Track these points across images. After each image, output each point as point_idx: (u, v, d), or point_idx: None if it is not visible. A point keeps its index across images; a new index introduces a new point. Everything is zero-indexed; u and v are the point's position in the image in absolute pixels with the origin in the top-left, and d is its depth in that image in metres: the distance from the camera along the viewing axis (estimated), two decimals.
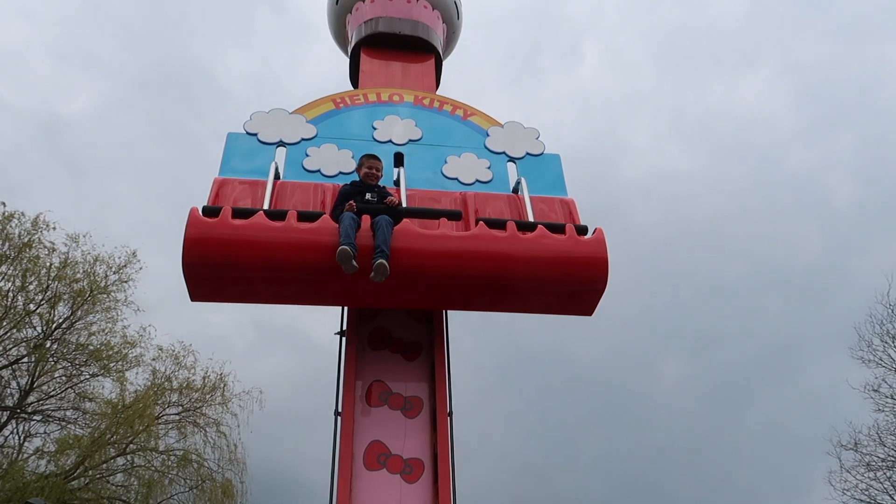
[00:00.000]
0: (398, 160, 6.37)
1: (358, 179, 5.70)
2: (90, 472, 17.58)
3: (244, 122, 6.39)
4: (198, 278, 4.93)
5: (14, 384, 18.77)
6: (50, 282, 18.45)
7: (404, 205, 5.49)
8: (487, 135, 6.75)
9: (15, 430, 18.83)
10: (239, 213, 5.00)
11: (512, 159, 6.57)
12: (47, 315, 18.69)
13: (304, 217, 5.02)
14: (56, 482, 15.83)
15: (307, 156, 6.19)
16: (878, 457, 17.04)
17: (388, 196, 5.38)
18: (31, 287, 18.36)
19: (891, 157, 41.17)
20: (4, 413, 18.47)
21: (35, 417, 18.83)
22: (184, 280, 4.94)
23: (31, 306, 18.38)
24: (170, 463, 18.26)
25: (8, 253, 18.00)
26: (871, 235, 40.51)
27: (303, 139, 6.32)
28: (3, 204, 18.23)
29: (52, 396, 19.01)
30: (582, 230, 5.41)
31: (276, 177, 5.82)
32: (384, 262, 4.61)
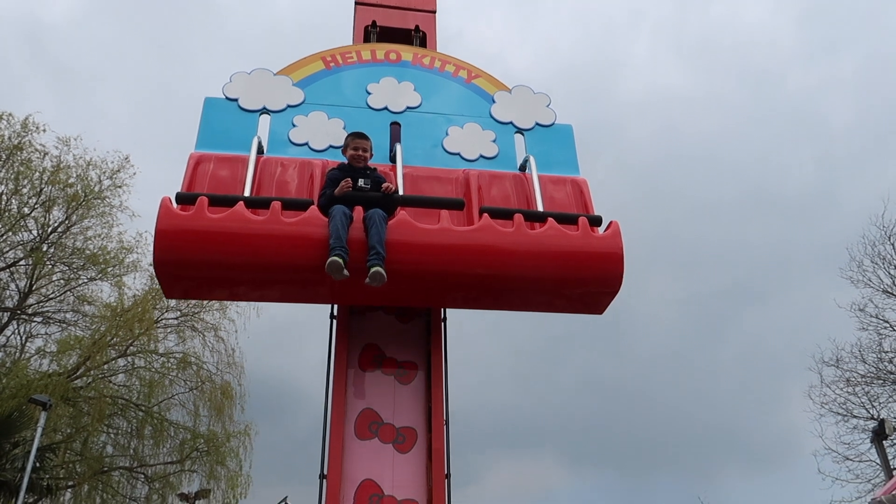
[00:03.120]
0: (395, 131, 5.71)
1: (346, 162, 5.03)
2: (92, 372, 18.06)
3: (223, 84, 5.58)
4: (170, 277, 4.46)
5: (13, 286, 19.00)
6: (43, 185, 18.33)
7: (401, 191, 4.93)
8: (493, 101, 6.04)
9: (16, 331, 19.22)
10: (217, 201, 4.45)
11: (520, 130, 5.90)
12: (42, 219, 18.69)
13: (290, 205, 4.51)
14: (59, 381, 16.27)
15: (294, 126, 5.50)
16: (858, 373, 17.62)
17: (384, 182, 4.78)
18: (25, 191, 18.27)
19: (892, 81, 40.29)
20: (5, 314, 18.77)
21: (35, 319, 19.17)
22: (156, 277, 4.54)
23: (26, 210, 18.34)
24: (170, 365, 18.76)
25: None
26: (865, 160, 40.24)
27: (288, 105, 5.59)
28: None
29: (52, 299, 19.28)
30: (595, 221, 4.92)
31: (260, 151, 5.20)
32: (380, 269, 4.14)
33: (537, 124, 5.94)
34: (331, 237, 4.20)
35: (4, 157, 17.89)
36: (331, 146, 5.43)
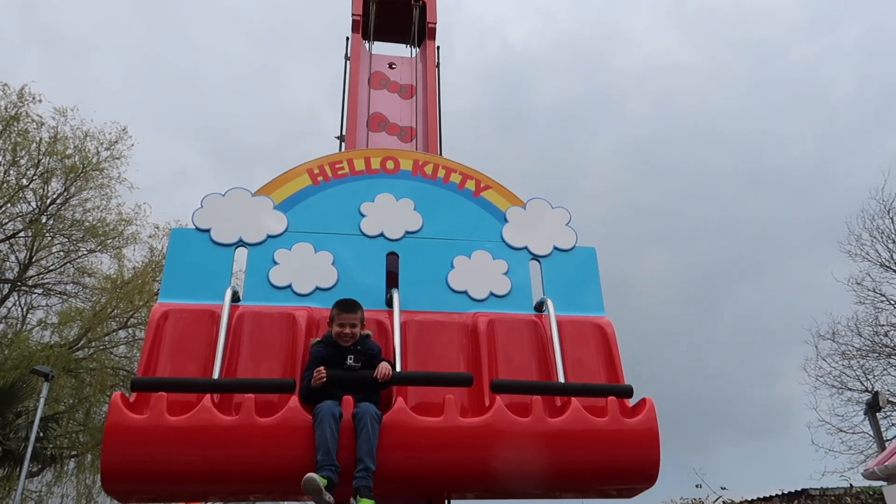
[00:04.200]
0: (392, 265, 5.03)
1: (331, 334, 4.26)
2: (93, 344, 18.18)
3: (193, 210, 4.88)
4: (125, 491, 3.85)
5: (13, 258, 19.03)
6: (41, 157, 18.25)
7: (398, 361, 4.20)
8: (505, 220, 5.30)
9: (17, 303, 19.28)
10: (180, 387, 3.86)
11: (535, 257, 5.18)
12: (41, 190, 18.65)
13: (269, 387, 3.91)
14: (61, 352, 16.39)
15: (275, 263, 4.77)
16: (854, 346, 17.79)
17: (376, 354, 4.18)
18: (23, 162, 18.20)
19: (894, 52, 39.94)
20: (6, 286, 18.82)
21: (36, 290, 19.24)
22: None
23: (24, 181, 18.29)
24: None
25: None
26: (864, 134, 40.04)
27: (269, 236, 4.87)
28: None
29: (52, 271, 19.33)
30: (625, 393, 4.28)
31: (236, 299, 4.54)
32: (369, 500, 3.53)
33: (555, 249, 5.24)
34: (318, 451, 3.61)
35: (1, 127, 17.77)
36: (318, 288, 4.72)
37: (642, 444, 4.08)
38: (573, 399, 4.13)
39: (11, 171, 18.10)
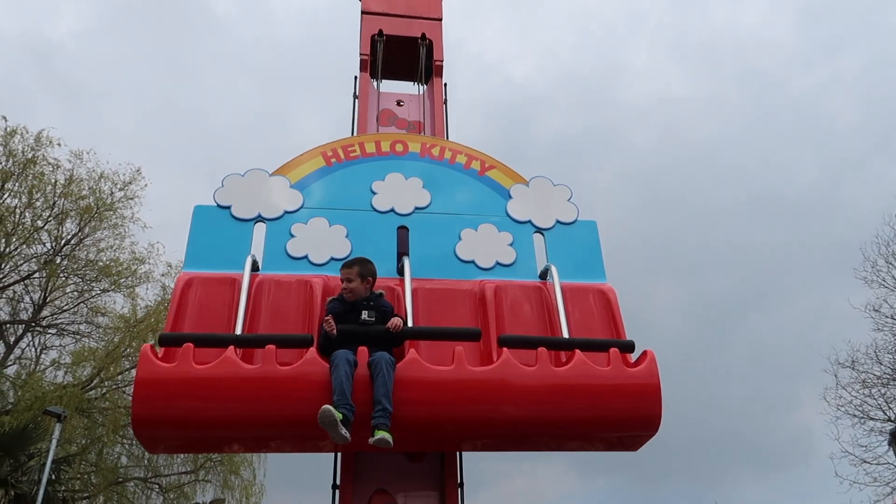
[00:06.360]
0: (402, 237, 5.20)
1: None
2: (106, 383, 18.16)
3: (215, 189, 5.11)
4: (153, 437, 4.05)
5: (27, 299, 19.17)
6: (56, 198, 18.49)
7: (409, 319, 4.40)
8: (510, 196, 5.49)
9: (31, 343, 19.39)
10: (204, 341, 4.04)
11: (539, 230, 5.35)
12: (55, 231, 18.86)
13: (288, 342, 4.11)
14: (74, 392, 16.36)
15: (292, 236, 5.00)
16: (874, 374, 17.43)
17: (389, 310, 4.39)
18: (38, 204, 18.43)
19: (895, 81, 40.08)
20: (20, 326, 18.93)
21: (50, 331, 19.32)
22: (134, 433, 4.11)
23: (39, 223, 18.50)
24: None
25: (13, 169, 17.97)
26: (869, 162, 40.01)
27: (286, 212, 5.11)
28: (5, 118, 18.07)
29: (66, 311, 19.42)
30: (627, 347, 4.44)
31: (255, 268, 4.76)
32: (385, 435, 3.73)
33: (558, 222, 5.41)
34: (334, 392, 3.77)
35: (18, 170, 18.07)
36: (332, 258, 4.93)
37: (644, 392, 4.24)
38: (577, 351, 4.27)
39: (27, 213, 18.34)
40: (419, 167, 5.60)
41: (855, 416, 17.24)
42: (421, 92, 7.92)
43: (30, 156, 18.14)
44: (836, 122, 45.84)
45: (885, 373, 17.32)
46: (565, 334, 4.49)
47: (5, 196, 17.96)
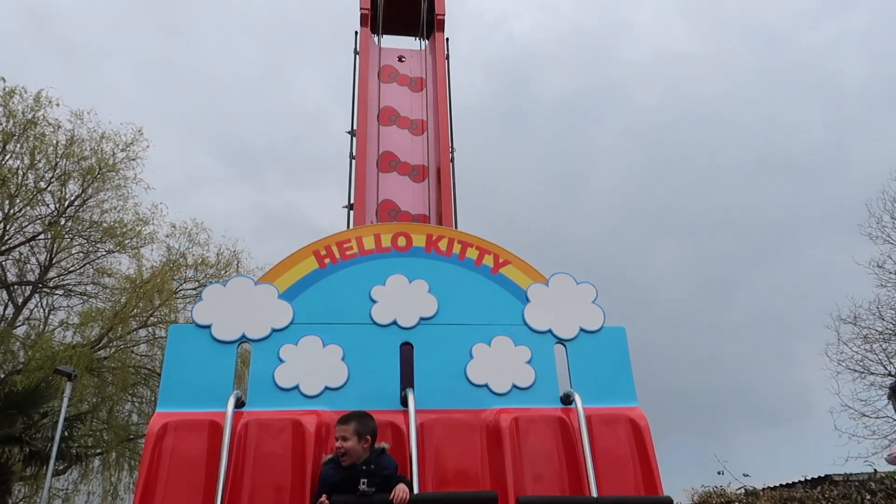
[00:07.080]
0: (406, 358, 4.72)
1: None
2: (115, 343, 18.39)
3: (193, 304, 4.60)
4: None
5: (34, 260, 19.30)
6: (58, 159, 18.47)
7: (415, 479, 3.92)
8: (527, 299, 4.95)
9: (39, 304, 19.57)
10: None
11: (560, 341, 4.83)
12: (59, 193, 18.87)
13: None
14: (83, 351, 16.59)
15: (281, 361, 4.48)
16: (876, 330, 17.56)
17: (390, 473, 3.89)
18: (41, 165, 18.40)
19: None
20: (27, 287, 19.09)
21: (57, 292, 19.50)
22: None
23: (42, 184, 18.50)
24: None
25: (13, 130, 17.88)
26: (876, 119, 39.42)
27: (273, 330, 4.57)
28: (3, 80, 17.90)
29: (72, 272, 19.57)
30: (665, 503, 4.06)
31: (240, 405, 4.27)
32: None
33: (581, 330, 4.88)
34: None
35: (19, 131, 17.98)
36: (326, 388, 4.44)
37: None
38: None
39: (29, 175, 18.33)
40: (424, 266, 5.03)
41: (856, 370, 17.44)
42: (423, 47, 7.81)
43: (30, 116, 18.03)
44: (844, 78, 45.07)
45: (886, 328, 17.44)
46: (593, 488, 4.02)
47: (7, 158, 17.92)
